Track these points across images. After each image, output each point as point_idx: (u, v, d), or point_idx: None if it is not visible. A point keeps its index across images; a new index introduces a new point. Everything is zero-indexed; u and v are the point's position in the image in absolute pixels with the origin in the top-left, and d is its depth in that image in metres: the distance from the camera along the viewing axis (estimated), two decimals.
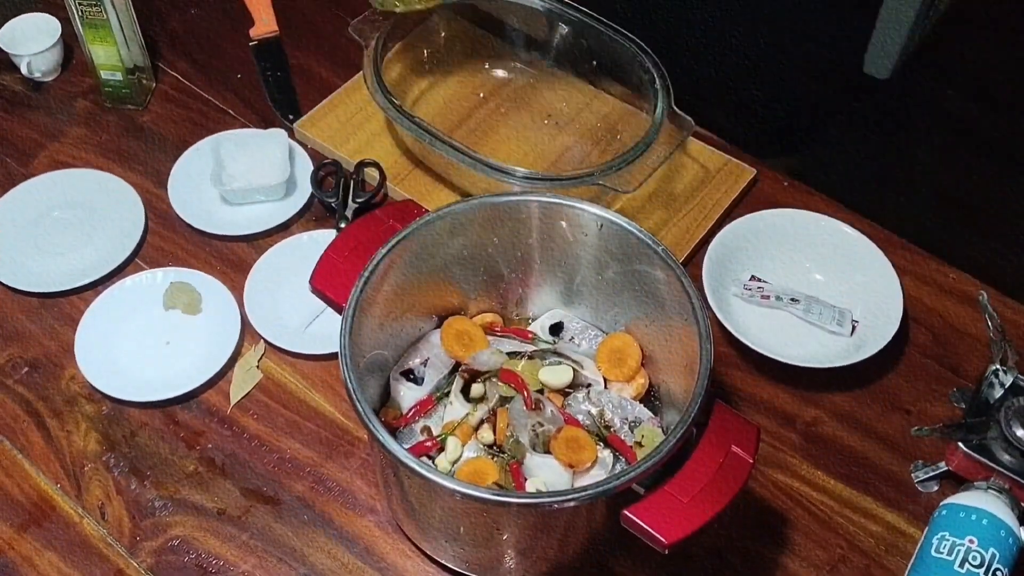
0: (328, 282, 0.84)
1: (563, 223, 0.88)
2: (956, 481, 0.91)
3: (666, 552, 0.71)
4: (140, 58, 1.17)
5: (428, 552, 0.86)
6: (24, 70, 1.18)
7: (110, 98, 1.18)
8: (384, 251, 0.83)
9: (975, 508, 0.83)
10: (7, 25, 1.20)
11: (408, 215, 0.87)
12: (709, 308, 0.95)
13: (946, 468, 0.92)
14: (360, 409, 0.74)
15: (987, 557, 0.81)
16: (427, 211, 0.87)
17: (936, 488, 0.93)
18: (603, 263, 0.90)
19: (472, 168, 1.00)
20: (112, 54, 1.12)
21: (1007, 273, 1.24)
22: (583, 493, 0.71)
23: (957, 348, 1.01)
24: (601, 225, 0.86)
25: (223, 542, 0.88)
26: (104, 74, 1.15)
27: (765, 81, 1.40)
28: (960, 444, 0.89)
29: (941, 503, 0.86)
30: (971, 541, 0.82)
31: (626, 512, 0.72)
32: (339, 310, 0.82)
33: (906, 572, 0.84)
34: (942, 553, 0.82)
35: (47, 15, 1.20)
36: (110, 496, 0.90)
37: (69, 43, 1.21)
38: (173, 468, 0.92)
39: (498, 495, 0.72)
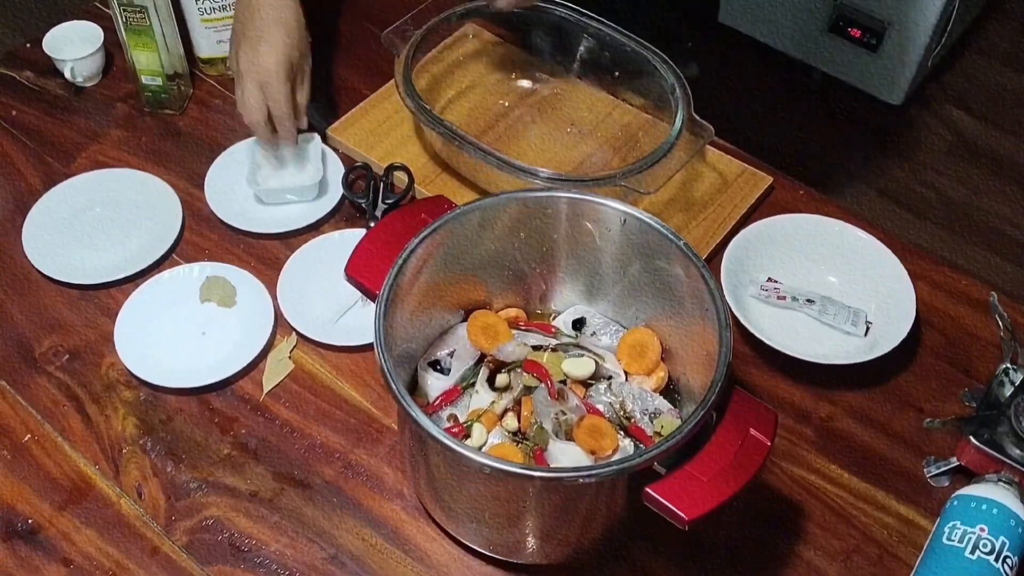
0: (362, 271, 0.88)
1: (588, 219, 0.91)
2: (967, 476, 0.93)
3: (686, 528, 0.74)
4: (179, 65, 1.21)
5: (453, 534, 0.89)
6: (67, 75, 1.23)
7: (149, 103, 1.22)
8: (416, 241, 0.86)
9: (985, 498, 0.86)
10: (52, 32, 1.25)
11: (439, 209, 0.91)
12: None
13: (957, 463, 0.95)
14: (394, 386, 0.77)
15: (997, 545, 0.83)
16: (457, 206, 0.90)
17: (947, 483, 0.95)
18: (625, 259, 0.93)
19: (498, 169, 1.03)
20: (153, 60, 1.17)
21: (1016, 283, 1.27)
22: (607, 469, 0.74)
23: (968, 350, 1.04)
24: (624, 220, 0.89)
25: (255, 522, 0.91)
26: (145, 79, 1.19)
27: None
28: (971, 438, 0.92)
29: (953, 495, 0.89)
30: (982, 529, 0.84)
31: (648, 489, 0.75)
32: (372, 298, 0.86)
33: (918, 559, 0.87)
34: (953, 541, 0.84)
35: (90, 23, 1.26)
36: (147, 477, 0.93)
37: (110, 50, 1.26)
38: (207, 452, 0.95)
39: (525, 468, 0.75)
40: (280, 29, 1.08)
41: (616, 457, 0.87)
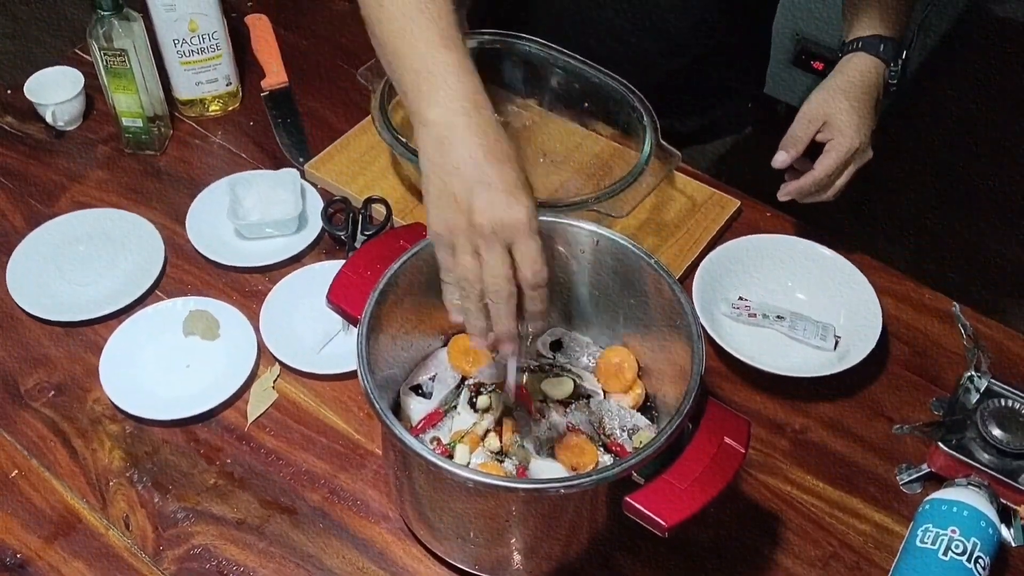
0: (344, 297, 0.90)
1: (562, 242, 0.94)
2: (938, 481, 0.96)
3: (666, 535, 0.76)
4: (159, 107, 1.24)
5: (439, 554, 0.91)
6: (49, 119, 1.25)
7: (130, 144, 1.25)
8: (396, 266, 0.89)
9: (956, 501, 0.88)
10: (33, 77, 1.27)
11: (417, 235, 0.93)
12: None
13: (929, 470, 0.97)
14: (377, 406, 0.79)
15: (969, 546, 0.85)
16: None
17: (920, 489, 0.98)
18: (599, 280, 0.96)
19: None
20: (134, 102, 1.19)
21: (978, 296, 1.31)
22: (587, 479, 0.76)
23: (935, 360, 1.07)
24: (597, 241, 0.92)
25: (243, 549, 0.92)
26: (125, 121, 1.22)
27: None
28: (940, 444, 0.95)
29: (925, 499, 0.91)
30: (953, 531, 0.86)
31: (628, 499, 0.77)
32: (354, 323, 0.88)
33: (894, 563, 0.89)
34: (927, 543, 0.87)
35: (71, 68, 1.28)
36: (134, 508, 0.94)
37: (91, 94, 1.29)
38: (194, 481, 0.96)
39: (508, 481, 0.77)
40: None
41: None
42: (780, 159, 1.09)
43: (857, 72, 1.09)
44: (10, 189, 1.21)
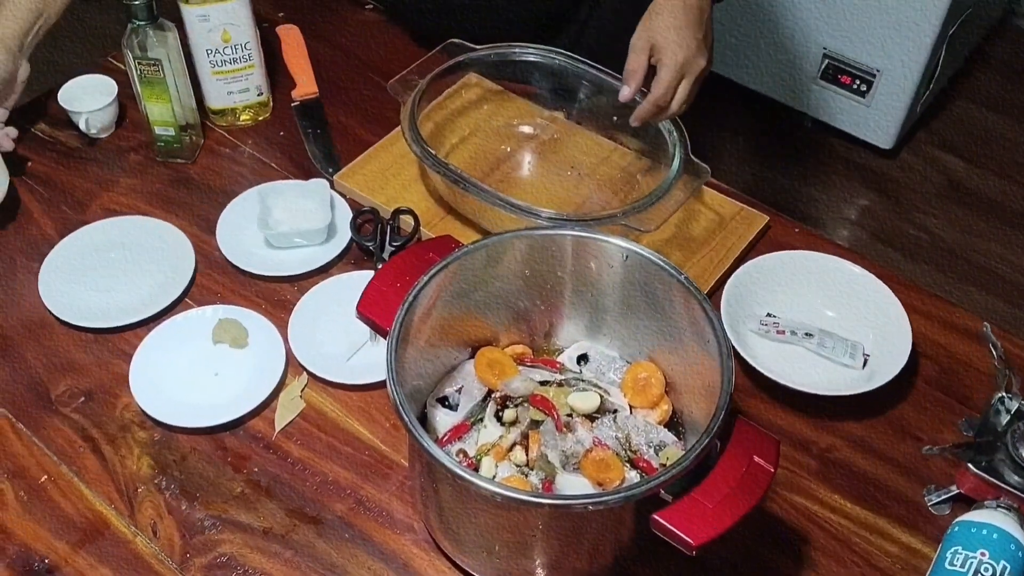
0: (374, 308, 0.90)
1: (591, 256, 0.94)
2: (967, 503, 0.95)
3: (693, 553, 0.75)
4: (191, 116, 1.25)
5: (464, 567, 0.91)
6: (82, 126, 1.27)
7: (161, 152, 1.26)
8: (426, 278, 0.89)
9: (986, 524, 0.88)
10: (67, 85, 1.29)
11: (446, 248, 0.93)
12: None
13: (957, 491, 0.96)
14: (406, 418, 0.79)
15: (998, 569, 0.85)
16: (464, 244, 0.93)
17: (948, 511, 0.97)
18: (627, 295, 0.96)
19: (502, 210, 1.06)
20: (166, 111, 1.21)
21: (1004, 316, 1.30)
22: (615, 496, 0.76)
23: (964, 380, 1.06)
24: (627, 256, 0.92)
25: (269, 558, 0.92)
26: (158, 129, 1.23)
27: None
28: (970, 465, 0.94)
29: (954, 520, 0.90)
30: (983, 554, 0.86)
31: (655, 516, 0.76)
32: (383, 334, 0.88)
33: None
34: (955, 566, 0.86)
35: (104, 76, 1.30)
36: (162, 515, 0.95)
37: (123, 102, 1.30)
38: (221, 489, 0.97)
39: (535, 496, 0.77)
40: None
41: None
42: (624, 93, 1.14)
43: None
44: (43, 196, 1.23)
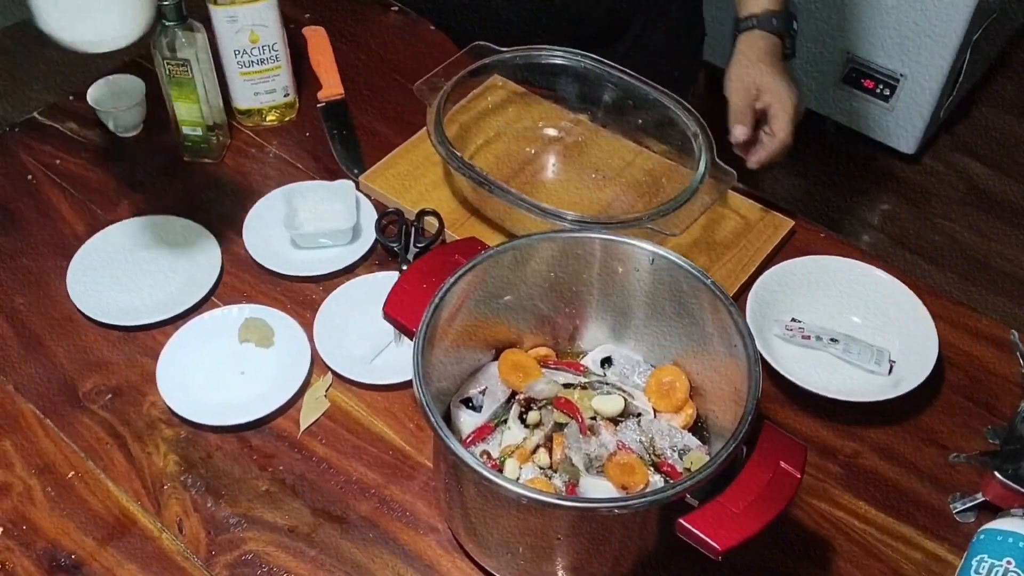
0: (400, 309, 0.91)
1: (618, 259, 0.94)
2: (992, 512, 0.95)
3: (719, 559, 0.75)
4: (219, 116, 1.26)
5: (487, 568, 0.91)
6: (110, 126, 1.28)
7: (189, 152, 1.27)
8: (452, 280, 0.89)
9: (1012, 532, 0.87)
10: (95, 84, 1.30)
11: (472, 250, 0.94)
12: None
13: (983, 499, 0.96)
14: (432, 418, 0.80)
15: None
16: (490, 246, 0.94)
17: (973, 519, 0.96)
18: (653, 298, 0.96)
19: (527, 212, 1.07)
20: (194, 111, 1.22)
21: None
22: (641, 500, 0.76)
23: (990, 388, 1.06)
24: (653, 260, 0.92)
25: (293, 557, 0.93)
26: (186, 129, 1.24)
27: None
28: (996, 473, 0.93)
29: (979, 528, 0.90)
30: (1009, 562, 0.85)
31: (681, 521, 0.76)
32: (409, 335, 0.88)
33: None
34: (981, 574, 0.86)
35: (132, 76, 1.31)
36: (187, 513, 0.96)
37: (151, 103, 1.31)
38: (246, 488, 0.97)
39: (561, 498, 0.77)
40: None
41: None
42: (740, 132, 1.17)
43: (759, 45, 1.19)
44: (71, 194, 1.24)
